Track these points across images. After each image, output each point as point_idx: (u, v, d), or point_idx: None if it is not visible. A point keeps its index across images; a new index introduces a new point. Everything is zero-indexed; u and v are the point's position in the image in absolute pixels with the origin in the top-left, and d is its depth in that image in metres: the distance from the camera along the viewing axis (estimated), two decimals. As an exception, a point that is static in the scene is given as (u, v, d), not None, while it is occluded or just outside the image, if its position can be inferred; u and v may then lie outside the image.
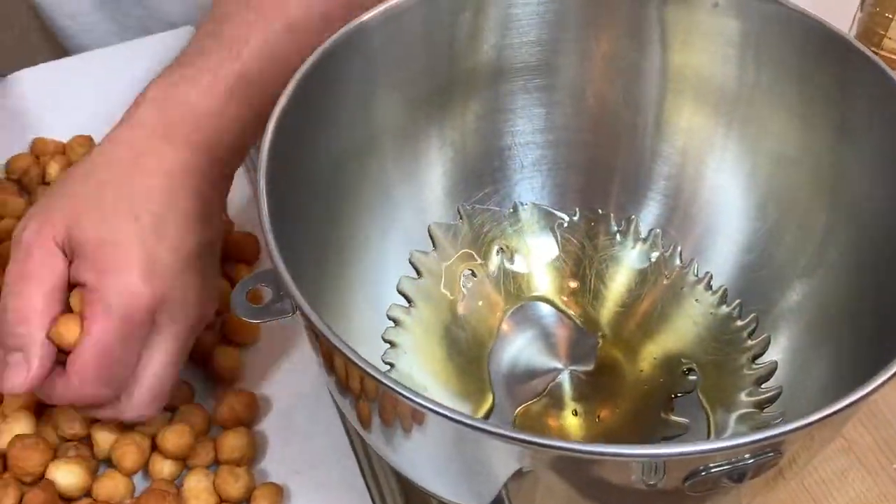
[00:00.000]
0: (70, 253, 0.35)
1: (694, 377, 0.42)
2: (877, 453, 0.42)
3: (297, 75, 0.35)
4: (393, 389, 0.28)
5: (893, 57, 0.49)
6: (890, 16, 0.48)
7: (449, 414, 0.27)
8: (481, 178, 0.47)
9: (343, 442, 0.41)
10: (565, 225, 0.47)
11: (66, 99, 0.54)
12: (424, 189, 0.45)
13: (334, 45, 0.37)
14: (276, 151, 0.34)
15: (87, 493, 0.38)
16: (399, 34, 0.40)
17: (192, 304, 0.37)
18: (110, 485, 0.38)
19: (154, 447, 0.40)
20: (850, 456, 0.42)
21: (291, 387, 0.43)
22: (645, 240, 0.46)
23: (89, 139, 0.51)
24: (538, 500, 0.33)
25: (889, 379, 0.27)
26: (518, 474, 0.31)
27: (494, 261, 0.46)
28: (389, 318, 0.43)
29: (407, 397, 0.27)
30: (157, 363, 0.36)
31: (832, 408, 0.26)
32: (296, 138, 0.36)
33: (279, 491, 0.39)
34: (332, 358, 0.33)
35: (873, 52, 0.48)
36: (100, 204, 0.35)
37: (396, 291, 0.44)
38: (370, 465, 0.42)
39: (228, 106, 0.38)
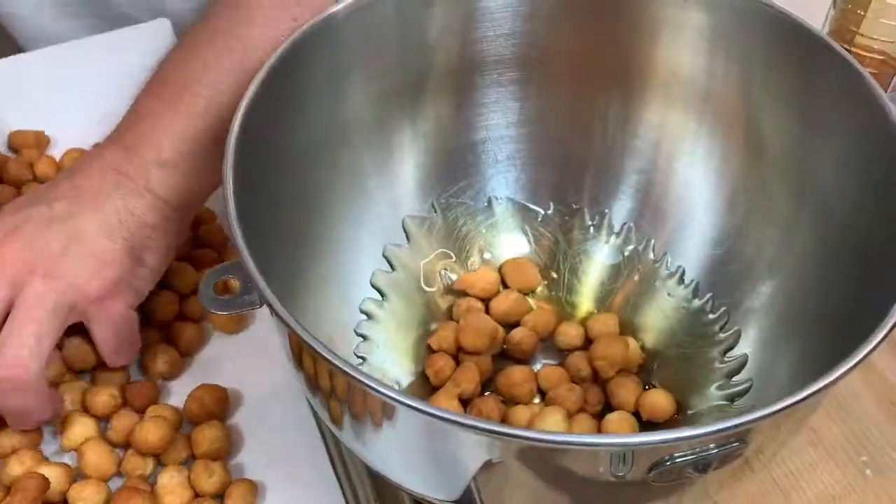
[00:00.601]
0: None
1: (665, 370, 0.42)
2: (845, 446, 0.42)
3: (266, 66, 0.35)
4: (357, 379, 0.27)
5: (865, 54, 0.50)
6: (862, 13, 0.48)
7: (413, 403, 0.27)
8: (455, 172, 0.47)
9: (315, 436, 0.41)
10: (539, 219, 0.47)
11: (22, 95, 0.54)
12: (398, 182, 0.45)
13: (303, 36, 0.37)
14: (243, 142, 0.33)
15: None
16: (370, 26, 0.40)
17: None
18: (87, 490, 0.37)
19: (127, 446, 0.39)
20: (818, 448, 0.42)
21: (264, 381, 0.43)
22: (618, 234, 0.46)
23: (81, 152, 0.51)
24: (507, 493, 0.33)
25: (848, 371, 0.27)
26: (486, 466, 0.31)
27: (472, 257, 0.46)
28: (362, 311, 0.43)
29: (371, 387, 0.27)
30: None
31: (793, 398, 0.26)
32: (264, 129, 0.35)
33: (253, 488, 0.38)
34: (300, 350, 0.32)
35: (845, 48, 0.49)
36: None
37: (370, 285, 0.44)
38: (342, 460, 0.41)
39: (191, 127, 0.41)
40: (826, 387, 0.27)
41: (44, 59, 0.55)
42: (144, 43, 0.55)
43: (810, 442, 0.42)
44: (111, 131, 0.43)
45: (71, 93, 0.53)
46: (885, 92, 0.50)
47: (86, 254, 0.38)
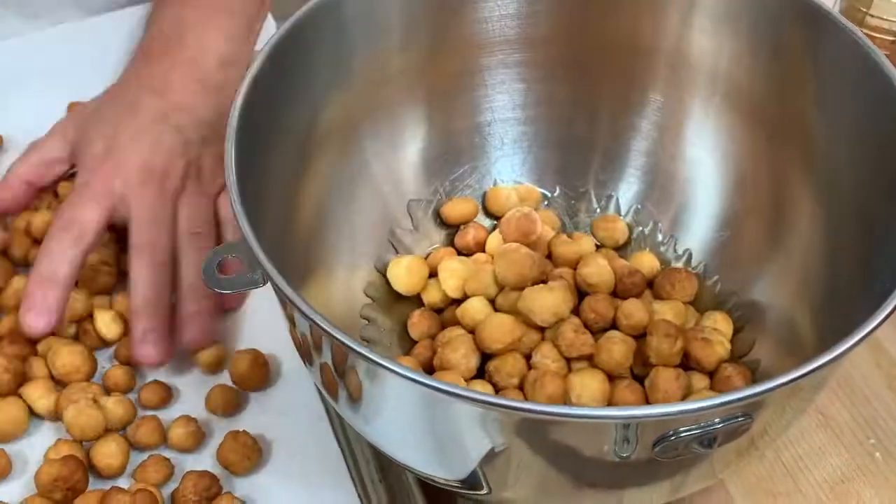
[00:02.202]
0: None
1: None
2: (854, 429, 0.42)
3: (268, 46, 0.35)
4: (358, 352, 0.27)
5: (875, 35, 0.49)
6: (872, -6, 0.48)
7: (409, 374, 0.27)
8: (461, 155, 0.46)
9: (321, 416, 0.41)
10: (545, 202, 0.47)
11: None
12: (402, 165, 0.45)
13: (306, 15, 0.36)
14: (246, 121, 0.33)
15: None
16: (373, 5, 0.39)
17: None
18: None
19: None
20: (827, 432, 0.42)
21: (271, 363, 0.43)
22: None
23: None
24: (512, 474, 0.33)
25: (850, 348, 0.27)
26: (489, 445, 0.30)
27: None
28: (367, 295, 0.43)
29: (372, 359, 0.27)
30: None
31: (796, 372, 0.26)
32: (267, 108, 0.35)
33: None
34: (304, 328, 0.32)
35: (855, 29, 0.49)
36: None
37: (374, 268, 0.44)
38: (347, 439, 0.41)
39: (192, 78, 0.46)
40: (828, 363, 0.26)
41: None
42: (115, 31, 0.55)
43: (819, 425, 0.42)
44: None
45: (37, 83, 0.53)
46: (896, 73, 0.50)
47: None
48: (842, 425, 0.42)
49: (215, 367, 0.42)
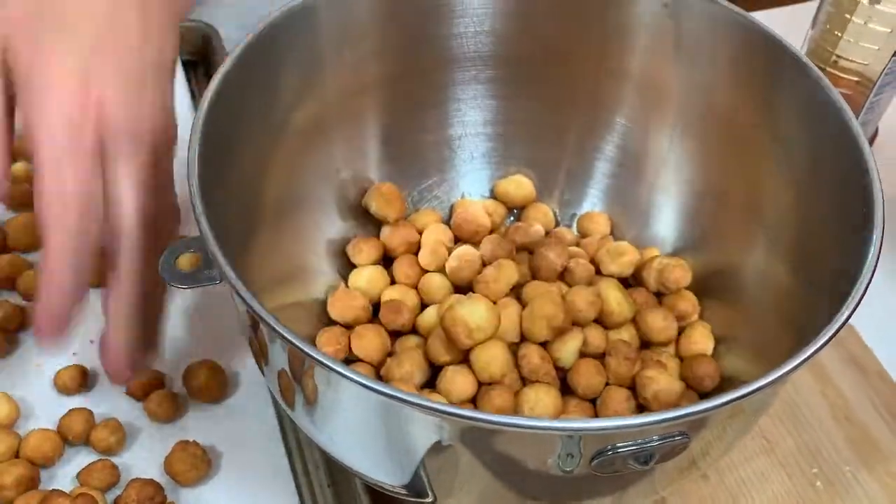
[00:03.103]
0: (5, 73, 0.33)
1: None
2: (797, 456, 0.42)
3: (240, 48, 0.35)
4: (304, 351, 0.28)
5: (841, 75, 0.50)
6: (840, 34, 0.49)
7: (368, 383, 0.27)
8: (429, 167, 0.47)
9: (272, 420, 0.41)
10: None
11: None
12: (369, 172, 0.45)
13: (280, 18, 0.37)
14: (212, 118, 0.33)
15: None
16: (347, 15, 0.40)
17: (143, 126, 0.34)
18: None
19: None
20: (771, 457, 0.42)
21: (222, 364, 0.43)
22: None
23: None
24: (457, 483, 0.33)
25: (787, 373, 0.28)
26: (434, 450, 0.31)
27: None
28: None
29: (319, 360, 0.27)
30: (127, 187, 0.33)
31: (731, 395, 0.27)
32: (233, 112, 0.35)
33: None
34: (256, 327, 0.33)
35: (822, 68, 0.50)
36: (36, 22, 0.33)
37: (337, 274, 0.44)
38: (298, 444, 0.41)
39: None
40: (764, 386, 0.27)
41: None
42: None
43: (763, 450, 0.42)
44: None
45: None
46: (859, 113, 0.52)
47: None
48: (786, 452, 0.42)
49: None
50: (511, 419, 0.27)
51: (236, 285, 0.29)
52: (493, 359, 0.36)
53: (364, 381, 0.27)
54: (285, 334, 0.28)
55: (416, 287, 0.43)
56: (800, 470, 0.42)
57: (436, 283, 0.42)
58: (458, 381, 0.36)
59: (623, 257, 0.43)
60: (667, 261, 0.42)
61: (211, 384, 0.41)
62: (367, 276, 0.42)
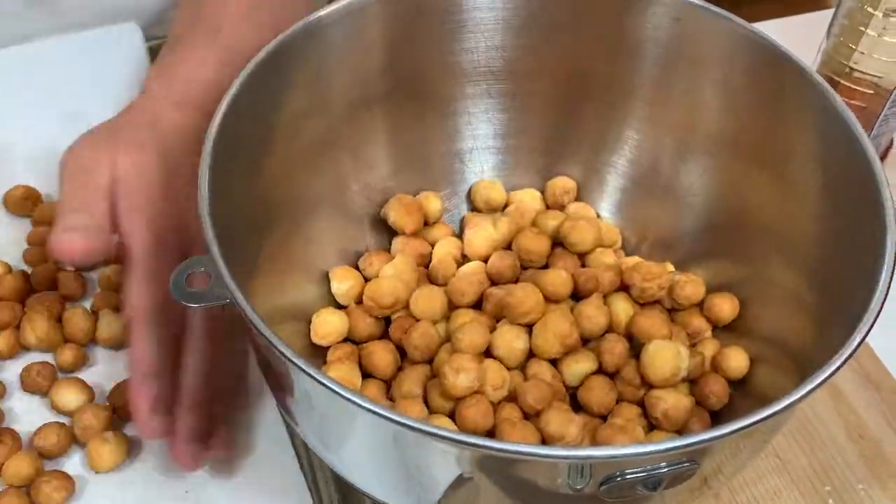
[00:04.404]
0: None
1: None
2: (811, 475, 0.42)
3: (250, 65, 0.36)
4: (320, 381, 0.28)
5: (855, 87, 0.50)
6: (854, 47, 0.49)
7: (380, 410, 0.27)
8: (439, 180, 0.47)
9: (283, 437, 0.41)
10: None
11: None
12: (380, 186, 0.45)
13: (289, 37, 0.37)
14: (223, 135, 0.34)
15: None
16: (357, 31, 0.40)
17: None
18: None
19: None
20: (784, 476, 0.42)
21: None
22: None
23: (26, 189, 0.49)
24: (467, 502, 0.33)
25: (800, 399, 0.27)
26: (446, 474, 0.31)
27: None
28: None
29: (334, 390, 0.27)
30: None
31: (741, 423, 0.26)
32: (243, 128, 0.36)
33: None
34: (265, 350, 0.33)
35: (836, 80, 0.50)
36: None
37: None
38: (309, 462, 0.42)
39: (222, 74, 0.41)
40: (776, 413, 0.27)
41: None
42: (113, 46, 0.55)
43: (776, 469, 0.42)
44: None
45: (33, 95, 0.53)
46: (874, 125, 0.51)
47: None
48: (798, 471, 0.42)
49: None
50: (521, 447, 0.27)
51: (247, 311, 0.29)
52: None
53: (377, 410, 0.27)
54: (296, 362, 0.28)
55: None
56: (813, 488, 0.41)
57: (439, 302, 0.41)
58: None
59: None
60: (679, 276, 0.42)
61: None
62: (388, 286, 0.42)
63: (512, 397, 0.37)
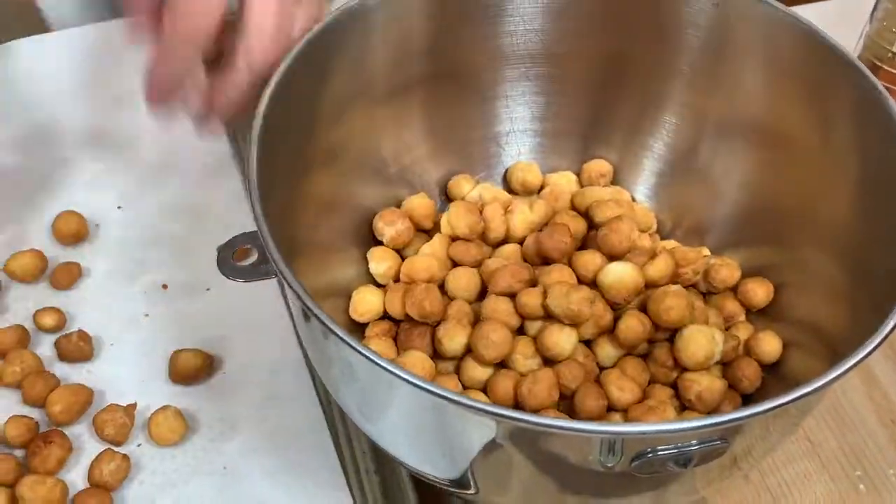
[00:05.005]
0: None
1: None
2: (840, 458, 0.42)
3: (294, 50, 0.36)
4: (360, 352, 0.29)
5: (897, 72, 0.50)
6: (897, 30, 0.48)
7: (418, 382, 0.28)
8: (476, 163, 0.48)
9: (317, 410, 0.42)
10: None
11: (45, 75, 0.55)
12: (419, 167, 0.46)
13: (334, 21, 0.38)
14: (271, 112, 0.35)
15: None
16: (400, 14, 0.41)
17: None
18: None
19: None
20: (814, 459, 0.42)
21: (263, 349, 0.44)
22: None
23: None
24: (501, 474, 0.34)
25: (831, 381, 0.28)
26: (482, 447, 0.32)
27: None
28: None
29: (374, 360, 0.28)
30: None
31: (771, 403, 0.27)
32: (291, 110, 0.37)
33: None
34: (309, 322, 0.34)
35: (879, 65, 0.49)
36: None
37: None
38: (346, 431, 0.43)
39: None
40: (806, 394, 0.27)
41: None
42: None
43: (806, 452, 0.42)
44: None
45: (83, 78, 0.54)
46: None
47: None
48: (829, 454, 0.42)
49: None
50: (556, 422, 0.28)
51: (297, 290, 0.30)
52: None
53: (417, 382, 0.28)
54: (342, 335, 0.29)
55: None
56: (843, 472, 0.42)
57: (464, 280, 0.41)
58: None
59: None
60: (714, 260, 0.42)
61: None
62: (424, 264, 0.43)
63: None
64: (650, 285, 0.40)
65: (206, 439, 0.41)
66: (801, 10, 0.40)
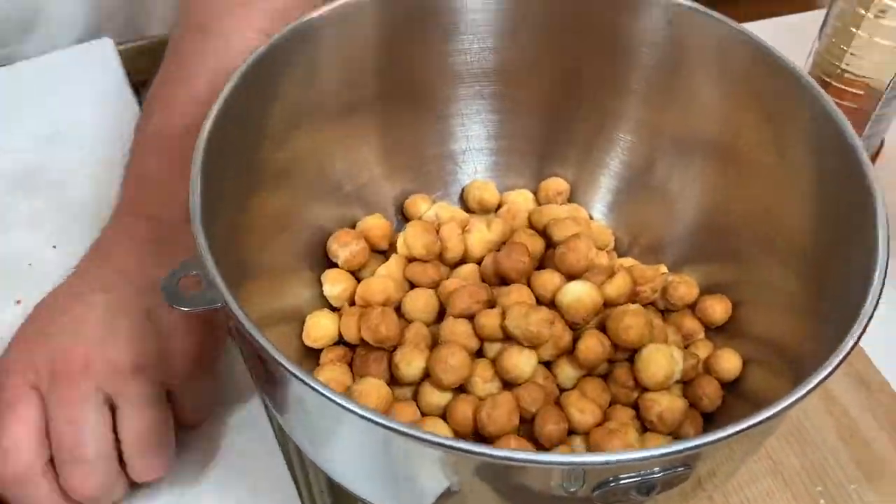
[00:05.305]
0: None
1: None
2: (802, 476, 0.42)
3: (240, 70, 0.35)
4: (309, 385, 0.27)
5: (847, 88, 0.50)
6: (845, 48, 0.49)
7: (372, 416, 0.27)
8: (433, 182, 0.47)
9: (270, 437, 0.41)
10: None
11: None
12: (374, 187, 0.45)
13: (282, 40, 0.37)
14: (214, 137, 0.33)
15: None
16: (348, 33, 0.40)
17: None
18: None
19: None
20: (776, 478, 0.42)
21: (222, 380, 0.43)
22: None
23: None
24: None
25: (793, 404, 0.28)
26: (438, 479, 0.31)
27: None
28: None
29: (324, 395, 0.27)
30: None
31: (735, 427, 0.26)
32: (236, 128, 0.35)
33: None
34: (258, 358, 0.32)
35: (828, 81, 0.50)
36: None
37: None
38: (302, 466, 0.41)
39: None
40: (766, 420, 0.27)
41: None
42: (88, 63, 0.55)
43: (768, 470, 0.42)
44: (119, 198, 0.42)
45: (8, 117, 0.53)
46: (865, 126, 0.51)
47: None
48: (791, 472, 0.42)
49: None
50: (512, 454, 0.27)
51: (239, 317, 0.29)
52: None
53: (369, 416, 0.27)
54: (287, 366, 0.28)
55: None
56: (805, 489, 0.42)
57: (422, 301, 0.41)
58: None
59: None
60: (673, 277, 0.42)
61: None
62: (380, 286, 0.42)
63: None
64: (609, 304, 0.39)
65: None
66: (752, 27, 0.40)
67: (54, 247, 0.49)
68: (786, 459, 0.42)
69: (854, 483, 0.42)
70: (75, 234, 0.48)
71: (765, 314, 0.40)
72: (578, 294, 0.38)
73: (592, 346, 0.37)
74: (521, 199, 0.46)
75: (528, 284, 0.40)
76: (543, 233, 0.44)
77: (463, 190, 0.47)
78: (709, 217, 0.43)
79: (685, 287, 0.41)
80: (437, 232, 0.43)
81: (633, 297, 0.40)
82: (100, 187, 0.50)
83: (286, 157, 0.40)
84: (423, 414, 0.38)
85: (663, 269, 0.44)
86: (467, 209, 0.47)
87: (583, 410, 0.37)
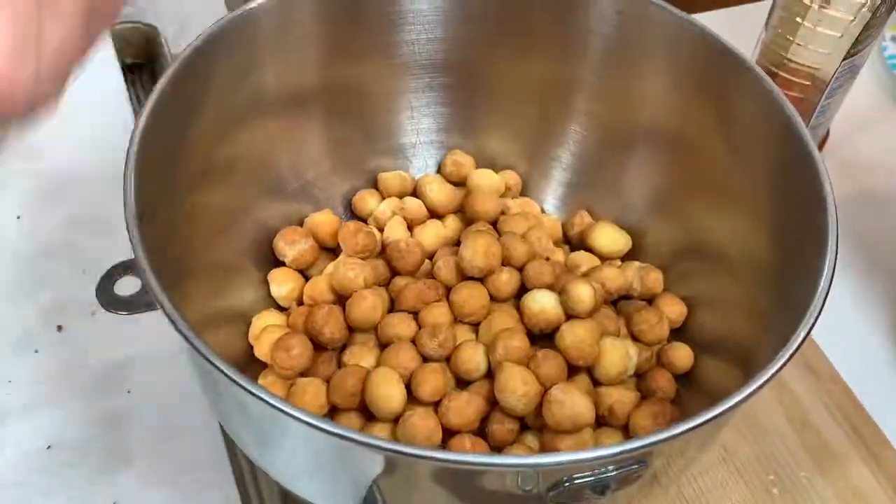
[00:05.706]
0: None
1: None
2: (754, 464, 0.42)
3: (175, 63, 0.34)
4: (245, 388, 0.26)
5: (793, 78, 0.50)
6: (791, 38, 0.49)
7: (313, 421, 0.26)
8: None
9: (219, 443, 0.40)
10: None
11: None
12: (321, 182, 0.44)
13: (218, 30, 0.35)
14: (150, 132, 0.32)
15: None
16: (289, 21, 0.38)
17: None
18: None
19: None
20: (729, 467, 0.42)
21: (162, 382, 0.41)
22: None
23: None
24: (413, 499, 0.32)
25: (743, 400, 0.27)
26: (388, 475, 0.30)
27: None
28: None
29: (260, 397, 0.26)
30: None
31: (686, 425, 0.26)
32: (174, 123, 0.34)
33: None
34: (199, 362, 0.31)
35: (774, 71, 0.50)
36: None
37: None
38: (252, 472, 0.40)
39: None
40: (720, 414, 0.27)
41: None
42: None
43: (721, 460, 0.42)
44: None
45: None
46: (811, 116, 0.52)
47: None
48: (743, 460, 0.42)
49: None
50: (463, 457, 0.26)
51: (177, 322, 0.28)
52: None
53: (312, 421, 0.26)
54: (227, 372, 0.27)
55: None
56: (757, 477, 0.42)
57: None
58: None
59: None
60: (644, 266, 0.42)
61: None
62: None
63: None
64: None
65: (95, 470, 0.38)
66: (702, 18, 0.39)
67: (18, 217, 0.47)
68: (738, 448, 0.43)
69: (805, 471, 0.42)
70: (41, 207, 0.47)
71: (717, 306, 0.40)
72: (543, 305, 0.37)
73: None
74: (486, 181, 0.45)
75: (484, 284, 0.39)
76: (495, 225, 0.43)
77: (416, 184, 0.46)
78: (661, 210, 0.43)
79: (656, 276, 0.41)
80: (381, 230, 0.42)
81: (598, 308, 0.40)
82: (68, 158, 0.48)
83: (229, 152, 0.39)
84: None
85: (618, 263, 0.44)
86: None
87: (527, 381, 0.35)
